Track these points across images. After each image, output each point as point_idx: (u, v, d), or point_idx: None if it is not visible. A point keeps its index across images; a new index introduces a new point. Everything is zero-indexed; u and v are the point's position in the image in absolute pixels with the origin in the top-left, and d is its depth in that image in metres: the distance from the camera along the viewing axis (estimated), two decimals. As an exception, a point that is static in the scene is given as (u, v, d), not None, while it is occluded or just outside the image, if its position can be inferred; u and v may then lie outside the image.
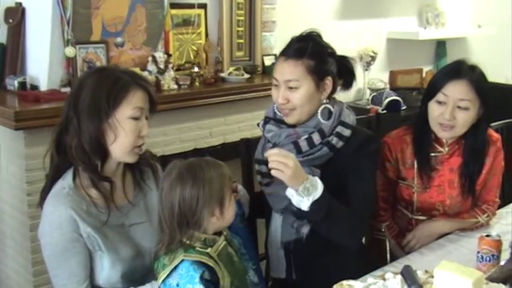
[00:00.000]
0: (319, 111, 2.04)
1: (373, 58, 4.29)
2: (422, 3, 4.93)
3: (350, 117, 2.08)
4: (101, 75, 1.78)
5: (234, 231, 1.91)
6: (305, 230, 2.06)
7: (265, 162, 1.98)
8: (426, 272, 1.63)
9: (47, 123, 2.46)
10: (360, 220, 2.02)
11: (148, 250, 1.82)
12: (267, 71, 3.47)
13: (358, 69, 4.41)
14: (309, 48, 2.01)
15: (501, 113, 3.04)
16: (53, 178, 1.82)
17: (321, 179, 1.93)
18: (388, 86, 4.46)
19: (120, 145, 1.77)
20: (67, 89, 2.73)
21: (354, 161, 2.03)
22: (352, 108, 2.16)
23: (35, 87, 2.80)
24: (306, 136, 2.02)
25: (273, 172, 1.86)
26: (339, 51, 2.14)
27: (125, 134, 1.76)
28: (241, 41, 3.46)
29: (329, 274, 1.81)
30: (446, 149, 2.30)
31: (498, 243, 1.90)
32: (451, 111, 2.20)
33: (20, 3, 2.86)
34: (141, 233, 1.85)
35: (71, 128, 1.74)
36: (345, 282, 1.57)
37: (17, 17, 2.85)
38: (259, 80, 3.39)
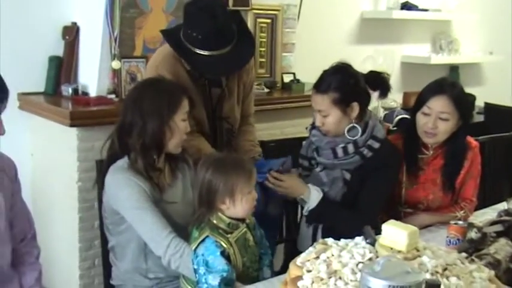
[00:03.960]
0: (346, 128, 2.36)
1: (386, 79, 4.64)
2: (436, 31, 5.21)
3: (381, 132, 2.40)
4: (158, 88, 2.20)
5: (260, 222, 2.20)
6: (319, 232, 2.42)
7: (307, 157, 2.47)
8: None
9: (96, 122, 2.92)
10: (367, 213, 2.35)
11: (180, 227, 2.15)
12: (286, 87, 3.84)
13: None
14: (332, 84, 2.31)
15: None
16: (108, 164, 2.23)
17: (349, 181, 2.35)
18: (400, 105, 4.67)
19: (175, 141, 2.21)
20: (112, 96, 3.14)
21: (376, 169, 2.36)
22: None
23: (85, 94, 3.17)
24: (343, 145, 2.36)
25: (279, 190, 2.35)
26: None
27: (179, 132, 2.20)
28: (263, 60, 3.80)
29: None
30: (431, 152, 2.58)
31: (463, 229, 2.14)
32: (434, 121, 2.49)
33: (75, 23, 3.24)
34: (175, 211, 2.22)
35: (135, 130, 2.15)
36: (321, 240, 1.83)
37: (72, 34, 3.23)
38: (278, 94, 3.73)
